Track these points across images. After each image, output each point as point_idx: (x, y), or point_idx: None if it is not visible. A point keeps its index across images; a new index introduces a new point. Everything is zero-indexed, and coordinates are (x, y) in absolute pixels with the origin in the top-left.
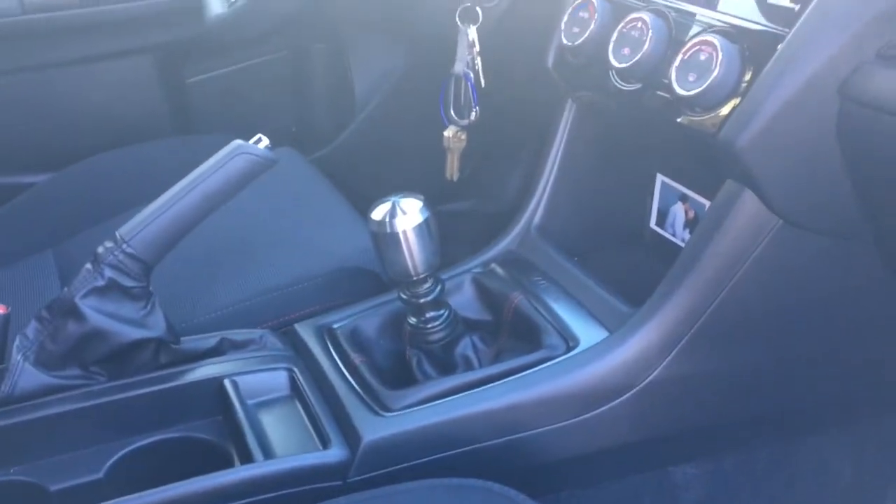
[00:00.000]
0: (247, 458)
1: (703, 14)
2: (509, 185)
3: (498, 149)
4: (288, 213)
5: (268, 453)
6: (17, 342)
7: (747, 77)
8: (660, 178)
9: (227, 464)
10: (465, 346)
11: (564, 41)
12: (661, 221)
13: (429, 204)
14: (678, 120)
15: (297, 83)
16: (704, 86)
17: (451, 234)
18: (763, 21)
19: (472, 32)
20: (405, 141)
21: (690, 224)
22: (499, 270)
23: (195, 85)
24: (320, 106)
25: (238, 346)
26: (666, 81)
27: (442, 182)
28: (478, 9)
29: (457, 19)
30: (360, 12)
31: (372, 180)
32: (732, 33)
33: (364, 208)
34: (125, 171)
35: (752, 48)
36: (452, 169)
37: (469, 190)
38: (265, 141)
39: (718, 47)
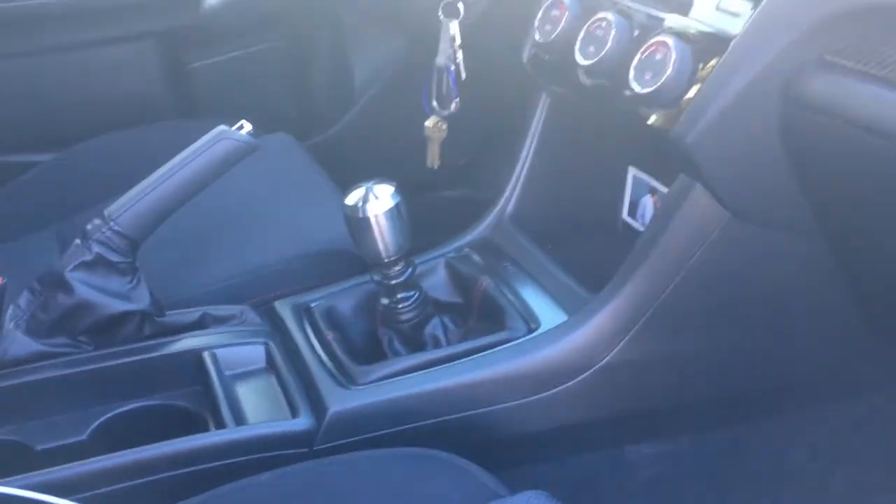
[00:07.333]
0: (221, 425)
1: (666, 17)
2: (496, 174)
3: (485, 139)
4: (277, 195)
5: (240, 421)
6: (10, 311)
7: (699, 77)
8: (631, 170)
9: (203, 431)
10: (434, 327)
11: (538, 38)
12: (632, 212)
13: (401, 190)
14: (641, 116)
15: (298, 70)
16: (658, 84)
17: (442, 220)
18: (716, 24)
19: (454, 27)
20: (402, 128)
21: None
22: (472, 256)
23: (197, 70)
24: (320, 93)
25: (219, 320)
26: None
27: (436, 170)
28: (460, 4)
29: (440, 13)
30: (360, 1)
31: (367, 166)
32: (686, 34)
33: None
34: (127, 153)
35: (703, 49)
36: (434, 157)
37: (463, 178)
38: (248, 126)
39: (672, 47)
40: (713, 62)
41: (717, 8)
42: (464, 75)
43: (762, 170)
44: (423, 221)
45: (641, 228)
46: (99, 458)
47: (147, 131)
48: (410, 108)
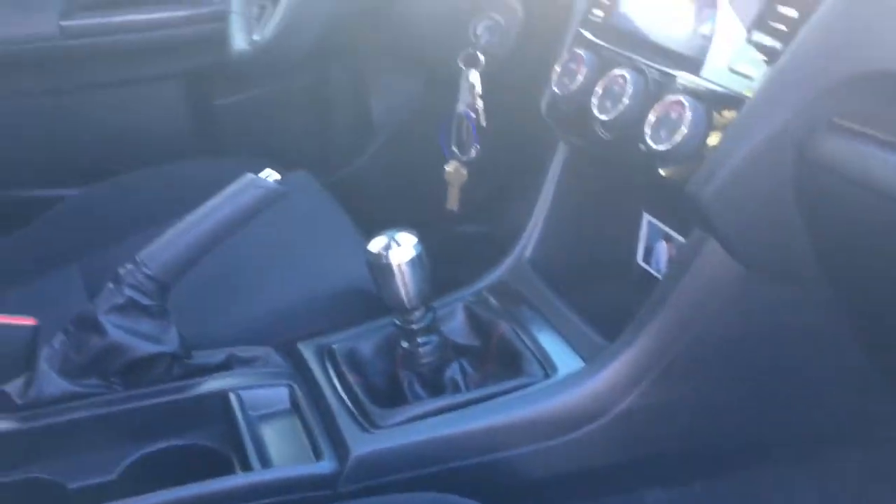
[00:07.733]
0: (246, 466)
1: (677, 74)
2: (514, 214)
3: (504, 182)
4: (298, 235)
5: (265, 462)
6: (44, 352)
7: (713, 135)
8: (646, 217)
9: (229, 471)
10: (453, 371)
11: (556, 90)
12: (647, 258)
13: (420, 229)
14: (656, 170)
15: (318, 108)
16: (673, 142)
17: (460, 255)
18: (729, 85)
19: (474, 76)
20: (419, 166)
21: None
22: (490, 300)
23: (222, 108)
24: (340, 131)
25: (244, 362)
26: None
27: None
28: (479, 54)
29: (459, 63)
30: (380, 44)
31: (386, 204)
32: (700, 94)
33: (375, 231)
34: (152, 190)
35: (718, 109)
36: (453, 201)
37: (481, 214)
38: (275, 175)
39: (687, 107)
40: (730, 113)
41: (731, 69)
42: (484, 123)
43: (776, 228)
44: (440, 256)
45: (657, 274)
46: (130, 499)
47: (172, 168)
48: (427, 148)
